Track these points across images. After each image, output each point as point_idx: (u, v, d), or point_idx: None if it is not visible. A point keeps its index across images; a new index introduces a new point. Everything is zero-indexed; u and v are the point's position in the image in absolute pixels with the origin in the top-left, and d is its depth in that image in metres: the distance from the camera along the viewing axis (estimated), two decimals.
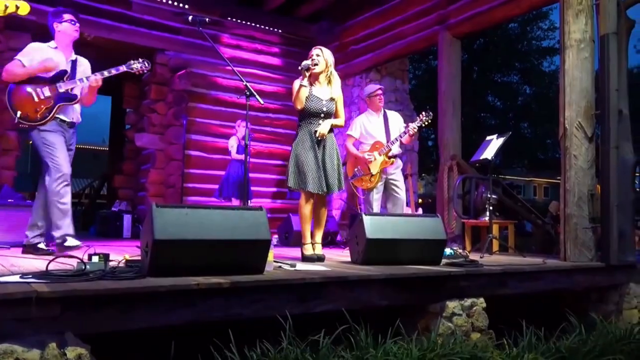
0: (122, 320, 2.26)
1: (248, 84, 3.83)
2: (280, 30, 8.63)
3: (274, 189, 8.52)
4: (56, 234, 3.95)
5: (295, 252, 4.66)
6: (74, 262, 2.71)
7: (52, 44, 4.07)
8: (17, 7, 2.97)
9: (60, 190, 3.87)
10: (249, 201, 6.92)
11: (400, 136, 4.99)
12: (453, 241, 5.92)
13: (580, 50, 4.51)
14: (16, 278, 2.36)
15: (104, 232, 7.92)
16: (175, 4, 7.54)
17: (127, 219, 7.62)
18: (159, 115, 7.98)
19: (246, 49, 8.34)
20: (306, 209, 4.03)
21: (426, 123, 5.04)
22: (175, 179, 7.62)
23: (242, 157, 6.77)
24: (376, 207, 5.04)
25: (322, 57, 4.09)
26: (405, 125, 5.18)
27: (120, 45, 7.46)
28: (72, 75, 4.03)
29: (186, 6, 7.55)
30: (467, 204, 6.43)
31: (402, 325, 3.00)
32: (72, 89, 3.98)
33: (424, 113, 5.02)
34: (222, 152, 7.53)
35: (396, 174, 5.12)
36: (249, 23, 8.31)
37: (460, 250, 4.50)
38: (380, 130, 5.13)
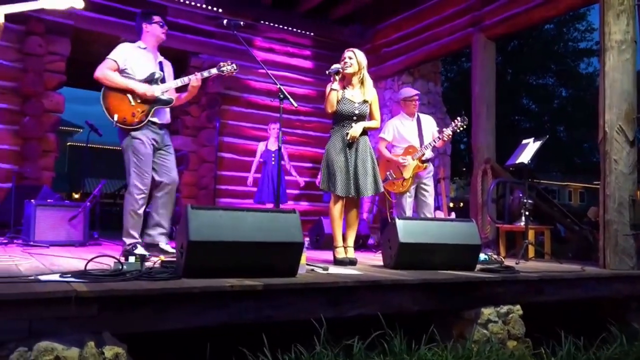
0: (157, 321, 2.28)
1: (282, 87, 3.83)
2: (312, 33, 8.64)
3: (305, 192, 8.52)
4: (127, 240, 3.99)
5: (326, 255, 4.65)
6: (111, 262, 2.76)
7: (141, 44, 4.11)
8: (74, 1, 3.15)
9: (139, 200, 3.93)
10: (281, 204, 6.94)
11: (434, 141, 4.94)
12: (487, 246, 5.82)
13: (622, 51, 4.37)
14: (56, 277, 2.41)
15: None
16: (210, 8, 7.63)
17: None
18: (192, 117, 8.08)
19: (278, 52, 8.39)
20: (335, 210, 4.01)
21: (461, 129, 4.98)
22: (208, 180, 7.71)
23: (255, 165, 6.95)
24: (408, 212, 4.99)
25: (355, 59, 4.06)
26: (438, 129, 5.13)
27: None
28: (162, 77, 4.06)
29: (220, 10, 7.63)
30: (500, 208, 6.31)
31: (437, 332, 2.95)
32: (166, 91, 4.00)
33: (459, 118, 4.96)
34: (254, 154, 7.57)
35: (428, 179, 5.07)
36: (281, 26, 8.35)
37: (495, 256, 4.42)
38: (413, 134, 5.08)
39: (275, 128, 6.98)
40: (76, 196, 18.68)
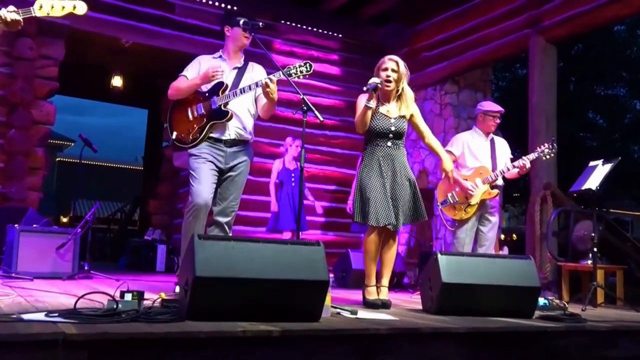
0: None
1: (305, 98, 3.84)
2: (340, 35, 8.73)
3: (329, 219, 8.51)
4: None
5: (355, 295, 4.61)
6: (104, 300, 2.77)
7: (217, 54, 4.25)
8: (75, 7, 3.24)
9: (188, 219, 3.99)
10: (301, 233, 6.95)
11: (510, 168, 4.93)
12: (547, 289, 5.72)
13: None
14: (41, 316, 2.43)
15: (135, 264, 8.14)
16: (223, 5, 7.77)
17: (161, 250, 7.80)
18: None
19: (301, 57, 8.46)
20: (371, 244, 3.98)
21: (547, 157, 4.96)
22: None
23: (273, 187, 6.96)
24: (467, 246, 4.95)
25: (399, 72, 4.04)
26: (512, 157, 5.13)
27: (160, 52, 7.75)
28: (234, 86, 4.08)
29: (235, 8, 7.76)
30: (563, 242, 6.21)
31: None
32: (226, 104, 4.02)
33: (546, 145, 4.97)
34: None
35: (494, 209, 5.05)
36: (304, 27, 8.45)
37: (557, 301, 4.34)
38: (486, 155, 5.09)
39: (297, 145, 6.99)
40: (64, 220, 19.00)
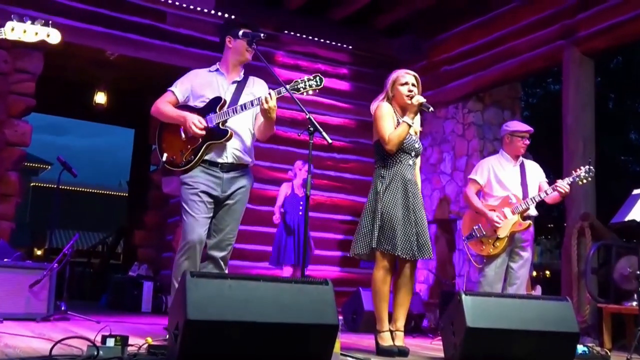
0: None
1: (312, 117, 3.84)
2: (350, 46, 8.79)
3: (338, 253, 8.48)
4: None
5: (367, 340, 4.59)
6: (83, 345, 2.76)
7: (213, 67, 4.22)
8: (48, 35, 3.34)
9: (183, 263, 3.90)
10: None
11: (543, 194, 4.92)
12: (586, 334, 5.66)
13: None
14: None
15: (118, 303, 8.12)
16: (219, 14, 7.84)
17: (147, 288, 7.78)
18: None
19: (306, 70, 8.51)
20: (384, 283, 3.97)
21: (583, 181, 4.95)
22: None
23: (278, 210, 6.97)
24: (497, 284, 4.94)
25: (418, 87, 4.15)
26: (548, 181, 5.12)
27: (148, 66, 7.82)
28: (233, 101, 4.05)
29: (232, 17, 7.83)
30: (603, 281, 6.17)
31: None
32: (224, 122, 3.99)
33: (582, 168, 4.95)
34: (273, 202, 7.61)
35: (527, 243, 5.05)
36: (310, 37, 8.51)
37: (598, 348, 4.30)
38: (515, 181, 5.09)
39: (306, 170, 6.98)
40: (39, 253, 19.00)
